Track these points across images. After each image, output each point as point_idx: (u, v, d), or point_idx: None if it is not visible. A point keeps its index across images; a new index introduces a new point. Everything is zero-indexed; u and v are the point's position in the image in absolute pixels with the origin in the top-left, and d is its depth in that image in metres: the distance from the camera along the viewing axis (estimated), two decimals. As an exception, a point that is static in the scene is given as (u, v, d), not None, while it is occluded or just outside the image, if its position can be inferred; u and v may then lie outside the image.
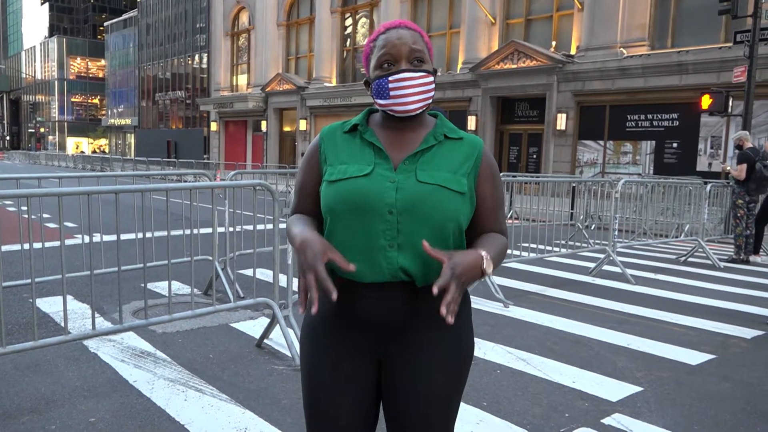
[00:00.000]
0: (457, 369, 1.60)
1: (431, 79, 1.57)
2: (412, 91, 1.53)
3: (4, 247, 3.42)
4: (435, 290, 1.34)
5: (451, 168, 1.54)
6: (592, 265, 7.95)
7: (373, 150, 1.57)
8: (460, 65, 22.10)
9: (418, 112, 1.56)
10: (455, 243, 1.54)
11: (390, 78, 1.53)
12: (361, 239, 1.50)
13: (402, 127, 1.60)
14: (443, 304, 1.34)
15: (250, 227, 5.21)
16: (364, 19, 27.60)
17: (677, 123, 16.80)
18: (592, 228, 11.17)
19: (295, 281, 4.98)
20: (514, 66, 19.69)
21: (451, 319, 1.34)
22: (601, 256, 7.84)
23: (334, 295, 1.36)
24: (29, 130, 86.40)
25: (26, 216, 4.28)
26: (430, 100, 1.58)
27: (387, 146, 1.58)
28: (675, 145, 16.90)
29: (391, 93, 1.53)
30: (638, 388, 3.78)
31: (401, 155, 1.56)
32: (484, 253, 1.45)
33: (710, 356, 4.47)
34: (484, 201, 1.58)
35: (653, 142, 17.34)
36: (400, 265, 1.49)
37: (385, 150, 1.56)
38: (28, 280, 4.87)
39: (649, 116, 17.36)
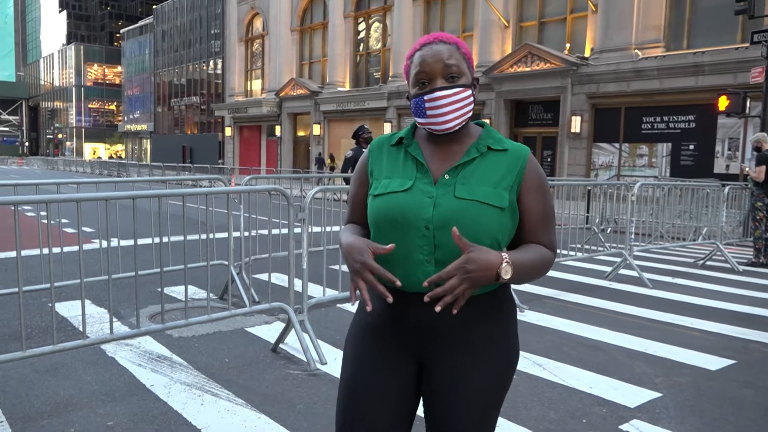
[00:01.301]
0: (496, 379, 1.58)
1: (468, 93, 1.56)
2: (449, 108, 1.53)
3: (23, 252, 3.48)
4: (434, 278, 1.41)
5: (493, 182, 1.52)
6: (608, 269, 7.88)
7: (415, 164, 1.58)
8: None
9: (456, 128, 1.56)
10: None
11: (425, 97, 1.54)
12: (400, 253, 1.52)
13: (446, 140, 1.60)
14: (434, 293, 1.39)
15: (266, 232, 5.24)
16: (377, 24, 27.68)
17: (694, 125, 16.62)
18: (608, 231, 11.08)
19: (310, 286, 4.99)
20: (528, 69, 19.62)
21: (454, 311, 1.41)
22: (618, 259, 7.77)
23: (390, 299, 1.44)
24: (47, 136, 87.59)
25: (45, 221, 4.34)
26: (470, 114, 1.58)
27: (430, 159, 1.59)
28: (692, 147, 16.72)
29: (428, 112, 1.54)
30: (657, 394, 3.73)
31: (443, 168, 1.56)
32: (505, 256, 1.43)
33: (730, 361, 4.41)
34: (527, 213, 1.56)
35: (669, 144, 17.17)
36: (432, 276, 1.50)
37: (428, 163, 1.58)
38: (47, 285, 4.93)
39: (665, 118, 17.20)
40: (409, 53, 1.62)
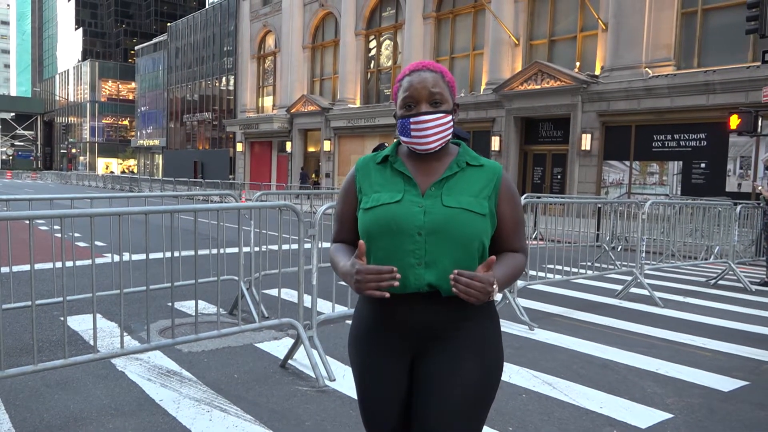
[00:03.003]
0: (486, 372, 1.73)
1: (449, 118, 1.73)
2: (431, 132, 1.70)
3: (36, 266, 3.52)
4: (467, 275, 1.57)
5: (473, 192, 1.71)
6: (618, 287, 7.82)
7: (402, 178, 1.75)
8: (483, 86, 22.18)
9: (437, 149, 1.74)
10: (480, 258, 1.70)
11: (411, 119, 1.71)
12: (393, 258, 1.67)
13: (427, 157, 1.77)
14: (459, 282, 1.56)
15: (276, 247, 5.26)
16: (388, 42, 27.92)
17: (705, 143, 16.56)
18: (619, 249, 11.01)
19: (319, 302, 5.00)
20: (538, 86, 19.67)
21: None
22: (628, 278, 7.72)
23: (387, 295, 1.60)
24: (61, 151, 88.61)
25: (58, 235, 4.39)
26: (449, 137, 1.75)
27: (415, 174, 1.76)
28: (703, 165, 16.64)
29: (412, 133, 1.72)
30: (668, 415, 3.69)
31: (428, 182, 1.74)
32: (494, 283, 1.60)
33: (743, 383, 4.35)
34: (504, 221, 1.75)
35: (680, 162, 17.10)
36: (427, 282, 1.67)
37: (414, 178, 1.74)
38: (59, 299, 4.97)
39: (676, 136, 17.15)
40: (398, 77, 1.79)
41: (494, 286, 1.58)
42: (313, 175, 31.02)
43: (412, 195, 1.70)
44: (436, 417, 1.67)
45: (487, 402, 1.74)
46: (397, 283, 1.57)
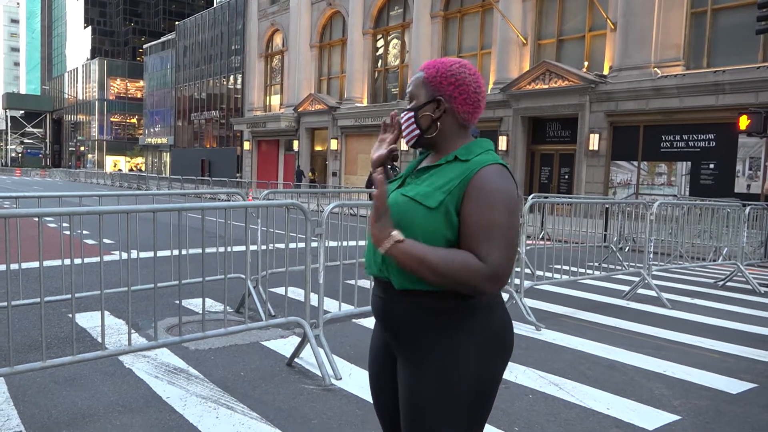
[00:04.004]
0: (439, 395, 1.62)
1: (410, 115, 1.77)
2: (404, 128, 1.81)
3: (45, 263, 3.54)
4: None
5: (437, 185, 1.64)
6: (626, 288, 7.79)
7: (411, 167, 1.84)
8: (491, 85, 22.12)
9: (410, 143, 1.81)
10: None
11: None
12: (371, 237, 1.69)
13: (438, 151, 1.80)
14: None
15: (283, 246, 5.27)
16: (395, 41, 27.90)
17: (714, 144, 16.46)
18: (627, 250, 10.96)
19: (326, 301, 5.00)
20: (546, 86, 19.61)
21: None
22: (636, 279, 7.69)
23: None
24: (70, 149, 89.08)
25: (67, 233, 4.41)
26: (416, 131, 1.77)
27: (423, 165, 1.81)
28: (711, 166, 16.54)
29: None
30: (676, 417, 3.68)
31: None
32: (398, 236, 1.56)
33: (751, 385, 4.33)
34: (464, 220, 1.58)
35: (689, 163, 17.00)
36: (378, 265, 1.71)
37: (420, 168, 1.79)
38: (68, 296, 5.00)
39: (685, 137, 17.05)
40: None
41: (383, 224, 1.56)
42: (310, 173, 31.08)
43: (398, 182, 1.80)
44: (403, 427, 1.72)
45: (445, 420, 1.62)
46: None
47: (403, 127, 1.81)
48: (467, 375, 1.62)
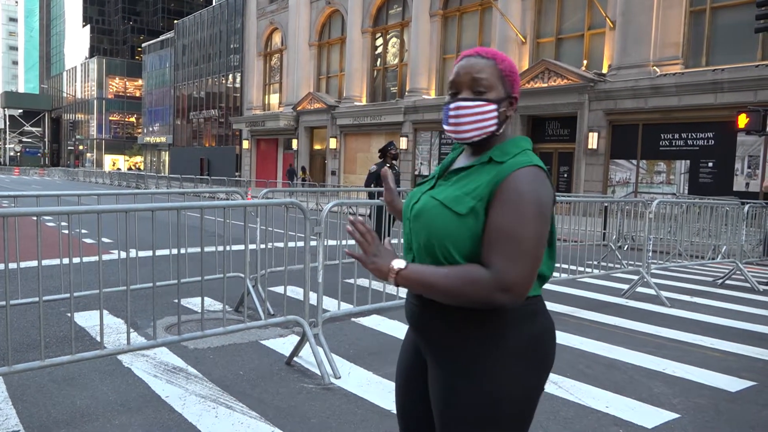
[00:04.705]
0: (475, 407, 1.53)
1: (491, 107, 1.57)
2: (467, 120, 1.57)
3: (43, 262, 3.54)
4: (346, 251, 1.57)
5: (468, 189, 1.52)
6: (625, 286, 7.79)
7: (444, 166, 1.74)
8: (490, 84, 22.09)
9: (474, 140, 1.60)
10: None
11: (450, 106, 1.61)
12: (405, 239, 1.69)
13: (475, 150, 1.66)
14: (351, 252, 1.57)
15: (282, 245, 5.27)
16: (394, 39, 27.88)
17: (713, 142, 16.46)
18: (626, 249, 10.97)
19: (325, 300, 5.00)
20: (545, 85, 19.60)
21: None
22: (635, 277, 7.69)
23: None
24: (68, 148, 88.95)
25: (66, 232, 4.41)
26: (491, 128, 1.58)
27: (457, 165, 1.68)
28: (710, 164, 16.55)
29: (450, 120, 1.62)
30: (675, 415, 3.68)
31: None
32: (398, 267, 1.49)
33: (750, 383, 4.33)
34: (486, 223, 1.48)
35: (688, 161, 17.01)
36: None
37: (454, 167, 1.67)
38: (67, 295, 5.00)
39: (684, 135, 17.06)
40: (455, 63, 1.71)
41: (381, 262, 1.50)
42: (301, 172, 31.11)
43: (429, 183, 1.69)
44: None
45: (478, 425, 1.53)
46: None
47: (469, 118, 1.57)
48: (505, 385, 1.51)
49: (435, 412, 1.61)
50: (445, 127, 1.65)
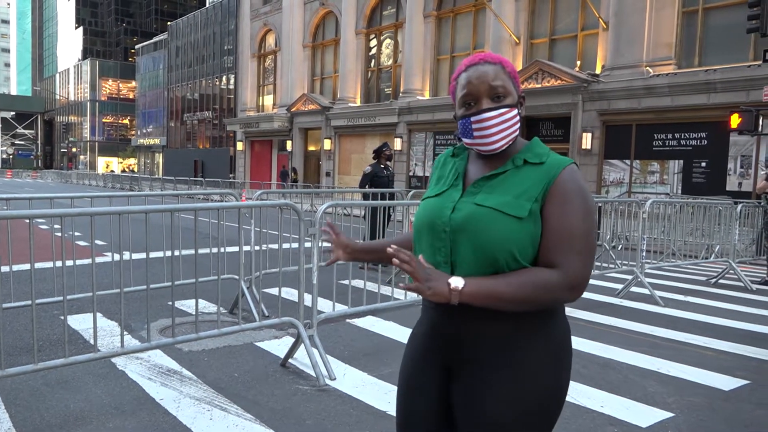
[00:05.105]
0: (510, 407, 1.50)
1: (515, 112, 1.57)
2: (495, 130, 1.55)
3: (36, 265, 3.52)
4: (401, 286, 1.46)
5: (516, 192, 1.49)
6: (619, 286, 7.82)
7: (456, 174, 1.64)
8: (484, 85, 22.14)
9: (503, 148, 1.58)
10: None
11: (473, 119, 1.56)
12: (427, 253, 1.57)
13: (491, 155, 1.62)
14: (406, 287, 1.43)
15: (276, 246, 5.26)
16: (388, 40, 27.90)
17: (705, 142, 16.54)
18: (620, 248, 11.00)
19: (319, 301, 5.00)
20: (539, 85, 19.66)
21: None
22: (629, 277, 7.71)
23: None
24: (61, 150, 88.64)
25: (59, 234, 4.38)
26: (516, 132, 1.59)
27: (474, 171, 1.63)
28: (704, 164, 16.63)
29: (475, 133, 1.57)
30: (669, 414, 3.69)
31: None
32: (457, 286, 1.41)
33: (744, 382, 4.35)
34: (546, 223, 1.47)
35: (681, 161, 17.09)
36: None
37: (470, 174, 1.62)
38: (60, 298, 4.97)
39: (677, 135, 17.14)
40: (454, 75, 1.64)
41: (438, 285, 1.39)
42: (292, 173, 31.18)
43: (454, 190, 1.59)
44: None
45: (511, 430, 1.50)
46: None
47: (496, 127, 1.54)
48: (537, 387, 1.50)
49: (465, 422, 1.55)
50: (468, 141, 1.60)
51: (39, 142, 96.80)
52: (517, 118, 1.58)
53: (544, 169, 1.51)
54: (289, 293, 6.51)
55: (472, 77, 1.56)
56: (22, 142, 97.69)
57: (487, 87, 1.54)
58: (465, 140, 1.61)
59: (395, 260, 1.37)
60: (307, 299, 4.59)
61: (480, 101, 1.55)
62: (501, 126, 1.54)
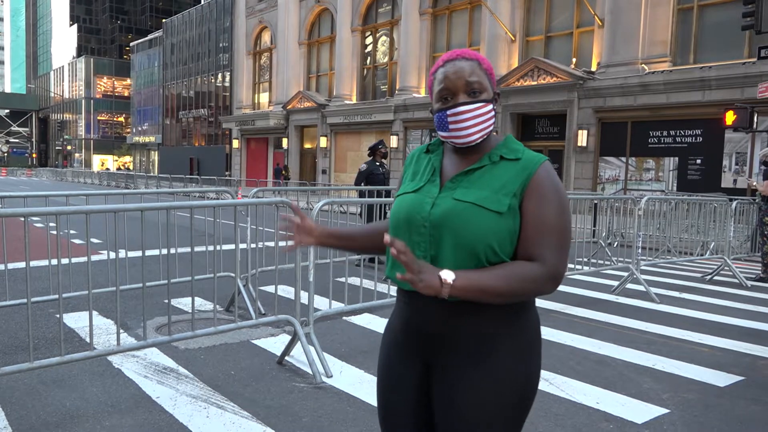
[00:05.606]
0: (492, 397, 1.54)
1: (489, 107, 1.62)
2: (471, 123, 1.59)
3: (31, 263, 3.51)
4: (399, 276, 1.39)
5: (495, 188, 1.53)
6: (615, 283, 7.84)
7: (432, 169, 1.67)
8: (480, 82, 22.14)
9: (478, 141, 1.62)
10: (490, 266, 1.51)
11: (448, 112, 1.60)
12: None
13: (467, 150, 1.65)
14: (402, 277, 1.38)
15: (272, 244, 5.26)
16: (384, 38, 27.86)
17: (701, 139, 16.60)
18: (615, 245, 11.04)
19: (316, 299, 5.00)
20: (534, 83, 19.68)
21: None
22: (625, 274, 7.74)
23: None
24: (56, 148, 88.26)
25: (54, 232, 4.37)
26: (490, 127, 1.63)
27: (449, 167, 1.66)
28: (699, 161, 16.69)
29: (450, 126, 1.61)
30: (664, 410, 3.71)
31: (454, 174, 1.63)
32: (449, 280, 1.39)
33: (739, 378, 4.37)
34: (524, 218, 1.52)
35: (676, 158, 17.14)
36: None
37: (446, 170, 1.65)
38: (55, 296, 4.96)
39: (672, 132, 17.19)
40: (432, 69, 1.68)
41: (429, 278, 1.37)
42: (284, 171, 31.23)
43: (431, 186, 1.62)
44: None
45: (490, 423, 1.55)
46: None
47: (472, 121, 1.58)
48: (515, 378, 1.56)
49: (443, 417, 1.58)
50: (443, 134, 1.63)
51: (34, 140, 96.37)
52: (492, 113, 1.63)
53: (521, 165, 1.56)
54: (286, 291, 6.51)
55: (449, 72, 1.60)
56: (16, 140, 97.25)
57: (464, 82, 1.59)
58: (441, 133, 1.65)
59: (393, 250, 1.36)
60: (304, 297, 4.59)
61: (456, 96, 1.60)
62: (476, 120, 1.59)
